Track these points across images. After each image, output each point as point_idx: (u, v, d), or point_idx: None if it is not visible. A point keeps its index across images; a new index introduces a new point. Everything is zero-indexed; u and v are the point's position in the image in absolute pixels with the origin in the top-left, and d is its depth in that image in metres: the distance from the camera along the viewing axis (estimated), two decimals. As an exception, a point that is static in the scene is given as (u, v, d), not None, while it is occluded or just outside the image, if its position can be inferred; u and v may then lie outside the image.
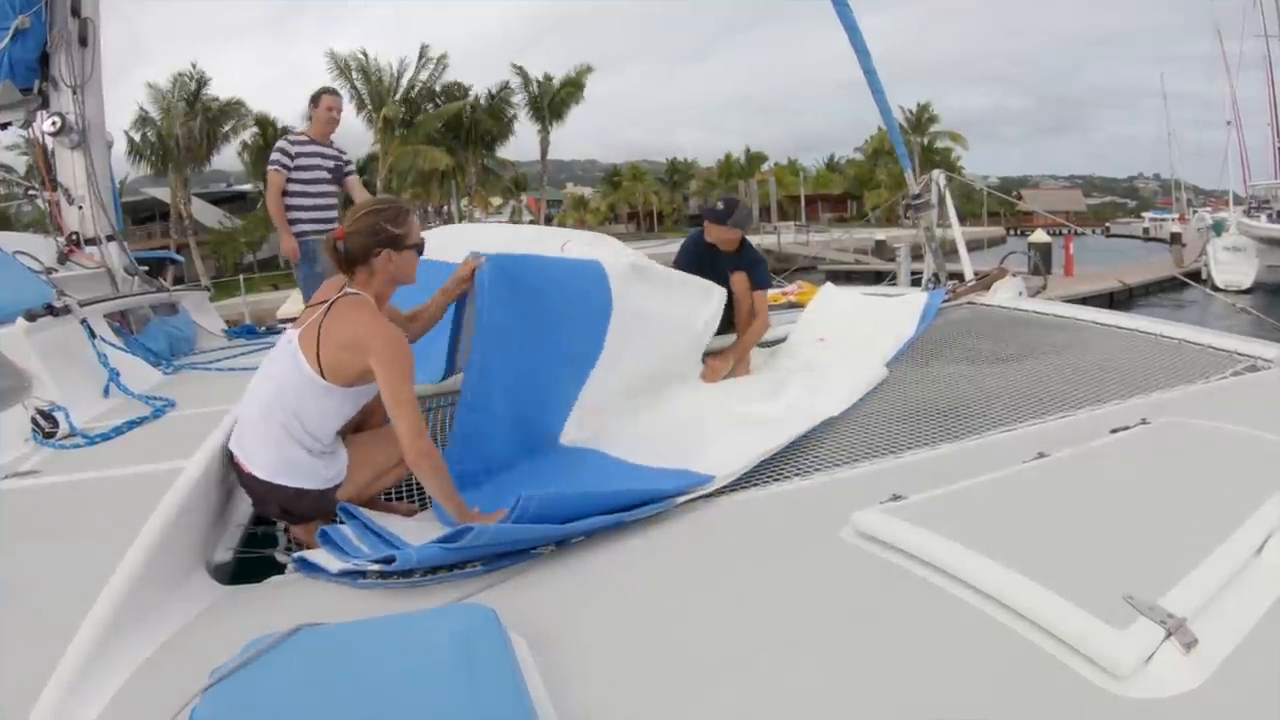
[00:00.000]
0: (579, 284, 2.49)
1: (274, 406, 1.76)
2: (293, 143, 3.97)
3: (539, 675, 0.99)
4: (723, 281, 3.17)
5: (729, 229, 3.25)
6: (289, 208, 3.94)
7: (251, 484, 1.78)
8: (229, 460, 1.84)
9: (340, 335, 1.73)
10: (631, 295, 2.59)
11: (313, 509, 1.80)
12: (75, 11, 3.83)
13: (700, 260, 3.31)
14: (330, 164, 4.10)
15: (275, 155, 3.92)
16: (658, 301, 2.78)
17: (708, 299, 3.05)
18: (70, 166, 3.97)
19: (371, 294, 1.83)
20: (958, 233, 4.61)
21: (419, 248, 1.90)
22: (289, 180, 3.93)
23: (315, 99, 4.10)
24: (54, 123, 3.86)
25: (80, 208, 3.97)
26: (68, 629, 1.13)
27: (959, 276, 4.43)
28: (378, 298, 1.85)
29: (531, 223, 39.97)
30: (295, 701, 0.91)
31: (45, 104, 3.96)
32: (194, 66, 25.06)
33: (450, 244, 2.66)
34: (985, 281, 4.10)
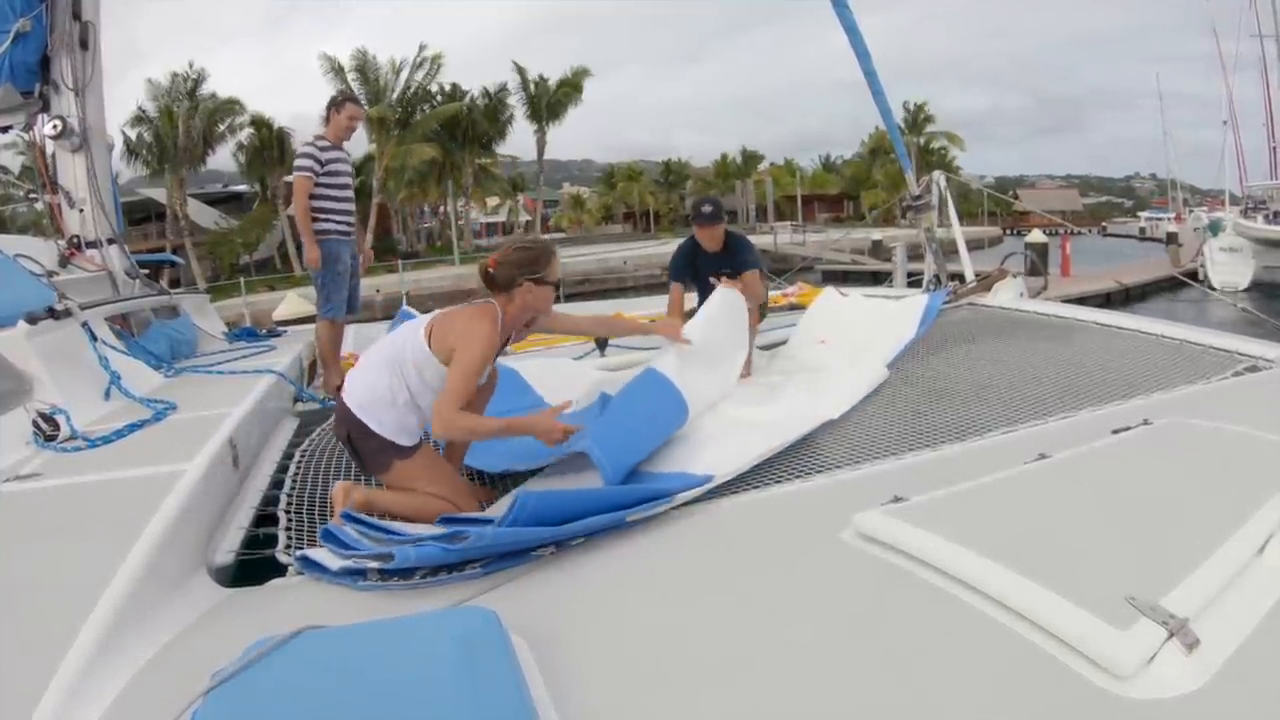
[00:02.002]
0: (660, 409, 2.40)
1: (396, 358, 2.00)
2: (321, 148, 3.77)
3: (540, 677, 0.99)
4: (714, 275, 3.22)
5: (720, 226, 3.35)
6: (318, 210, 3.77)
7: (341, 409, 2.03)
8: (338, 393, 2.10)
9: (456, 319, 2.02)
10: (688, 380, 2.53)
11: (372, 454, 1.99)
12: (76, 15, 3.83)
13: (695, 263, 3.39)
14: (347, 166, 3.94)
15: (304, 161, 3.71)
16: (705, 372, 2.73)
17: (734, 357, 2.99)
18: (71, 170, 3.97)
19: (505, 313, 2.07)
20: (958, 234, 4.62)
21: (557, 286, 2.16)
22: (317, 184, 3.74)
23: (339, 105, 3.87)
24: (55, 126, 3.85)
25: (81, 211, 3.97)
26: (69, 631, 1.13)
27: (959, 277, 4.44)
28: (511, 319, 2.10)
29: (528, 224, 39.92)
30: (297, 704, 0.91)
31: (46, 107, 3.96)
32: (190, 66, 25.01)
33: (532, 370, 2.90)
34: (986, 283, 4.11)
